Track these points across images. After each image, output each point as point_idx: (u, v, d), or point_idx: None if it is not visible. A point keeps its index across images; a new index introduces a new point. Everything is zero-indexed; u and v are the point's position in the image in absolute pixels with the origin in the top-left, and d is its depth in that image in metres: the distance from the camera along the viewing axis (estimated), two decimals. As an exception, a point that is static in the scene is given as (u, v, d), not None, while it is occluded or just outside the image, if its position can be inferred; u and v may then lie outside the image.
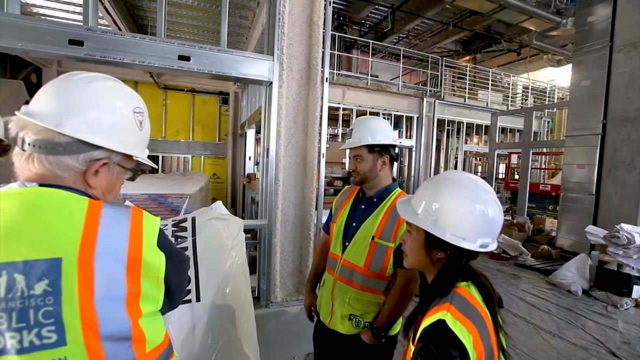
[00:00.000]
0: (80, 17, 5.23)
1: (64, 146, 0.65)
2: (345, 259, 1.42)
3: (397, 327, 1.42)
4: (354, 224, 1.44)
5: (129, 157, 0.76)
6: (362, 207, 1.46)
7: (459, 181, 0.83)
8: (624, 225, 3.98)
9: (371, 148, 1.41)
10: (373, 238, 1.36)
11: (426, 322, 0.74)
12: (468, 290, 0.78)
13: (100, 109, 0.70)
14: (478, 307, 0.75)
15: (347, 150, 1.51)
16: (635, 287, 3.90)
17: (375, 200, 1.43)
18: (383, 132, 1.42)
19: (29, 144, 0.64)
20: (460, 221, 0.79)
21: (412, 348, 0.77)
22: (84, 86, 0.69)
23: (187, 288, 1.38)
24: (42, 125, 0.63)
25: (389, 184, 1.45)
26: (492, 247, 0.81)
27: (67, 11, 5.42)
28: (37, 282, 0.57)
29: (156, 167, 0.94)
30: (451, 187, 0.83)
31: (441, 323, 0.71)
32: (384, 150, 1.42)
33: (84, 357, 0.59)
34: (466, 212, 0.79)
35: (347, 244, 1.44)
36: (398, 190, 1.46)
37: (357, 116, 8.68)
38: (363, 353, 1.37)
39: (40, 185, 0.64)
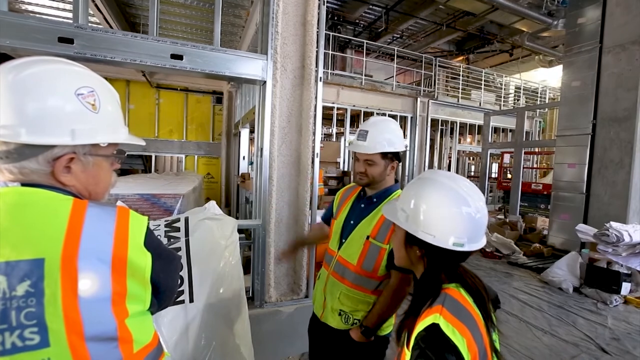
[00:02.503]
0: (70, 15, 5.16)
1: (16, 152, 0.61)
2: (341, 255, 1.44)
3: (389, 328, 1.43)
4: (351, 222, 1.46)
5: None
6: (362, 205, 1.47)
7: (434, 180, 0.84)
8: (614, 224, 4.05)
9: (384, 154, 1.39)
10: (368, 237, 1.37)
11: (420, 326, 0.74)
12: (458, 291, 0.77)
13: (35, 102, 0.61)
14: (469, 308, 0.75)
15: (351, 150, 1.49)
16: (624, 284, 3.97)
17: (374, 200, 1.44)
18: (398, 139, 1.41)
19: None
20: (429, 218, 0.80)
21: (407, 352, 0.77)
22: (12, 78, 0.61)
23: (181, 289, 1.37)
24: None
25: (391, 185, 1.46)
26: (470, 247, 0.79)
27: (57, 8, 5.34)
28: (19, 283, 0.56)
29: (144, 143, 0.81)
30: (424, 185, 0.84)
31: (435, 327, 0.70)
32: (395, 155, 1.42)
33: (68, 358, 0.58)
34: (435, 210, 0.80)
35: (343, 240, 1.45)
36: (398, 192, 1.46)
37: (351, 116, 8.71)
38: (352, 349, 1.38)
39: (23, 185, 0.63)
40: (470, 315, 0.74)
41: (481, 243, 0.82)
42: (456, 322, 0.70)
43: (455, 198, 0.79)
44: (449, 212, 0.79)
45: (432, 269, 0.82)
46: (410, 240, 0.84)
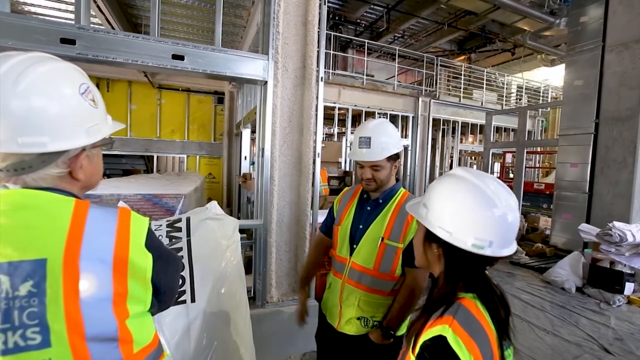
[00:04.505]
0: (72, 16, 5.17)
1: (36, 161, 0.62)
2: (354, 261, 1.42)
3: (404, 329, 1.42)
4: (360, 226, 1.43)
5: None
6: (368, 208, 1.45)
7: (460, 177, 0.79)
8: (616, 223, 4.02)
9: (389, 156, 1.39)
10: (382, 239, 1.36)
11: (427, 334, 0.71)
12: (474, 303, 0.73)
13: (53, 108, 0.62)
14: (483, 322, 0.71)
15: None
16: (627, 284, 3.95)
17: (381, 201, 1.43)
18: (397, 139, 1.42)
19: (0, 170, 0.61)
20: (448, 215, 0.75)
21: (411, 356, 0.75)
22: (16, 88, 0.59)
23: (182, 289, 1.38)
24: (4, 152, 0.59)
25: (394, 185, 1.46)
26: (496, 252, 0.73)
27: (59, 10, 5.36)
28: (22, 283, 0.57)
29: (124, 125, 0.81)
30: (449, 182, 0.81)
31: (441, 339, 0.67)
32: (396, 155, 1.43)
33: (69, 359, 0.59)
34: (456, 207, 0.75)
35: (354, 246, 1.43)
36: (402, 190, 1.46)
37: (353, 115, 8.69)
38: (370, 353, 1.37)
39: (24, 187, 0.63)
40: (483, 331, 0.70)
41: (510, 249, 0.76)
42: (465, 337, 0.67)
43: (481, 197, 0.73)
44: (471, 211, 0.73)
45: (449, 272, 0.77)
46: (430, 237, 0.80)
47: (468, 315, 0.71)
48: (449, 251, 0.76)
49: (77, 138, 0.65)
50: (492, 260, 0.76)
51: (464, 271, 0.76)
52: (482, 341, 0.68)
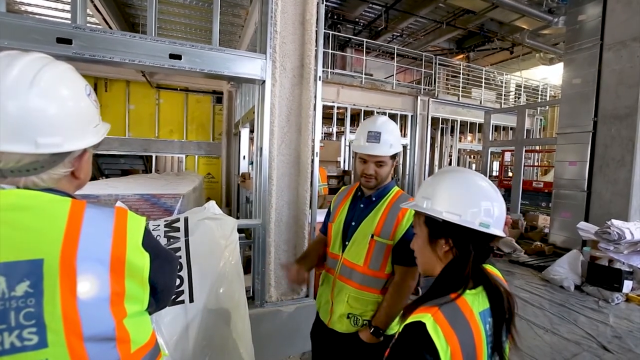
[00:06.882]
0: (68, 15, 5.16)
1: (48, 161, 0.63)
2: (345, 258, 1.43)
3: (396, 327, 1.42)
4: (353, 223, 1.44)
5: None
6: (361, 205, 1.46)
7: (456, 170, 0.87)
8: (615, 222, 4.03)
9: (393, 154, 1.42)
10: (372, 236, 1.36)
11: (410, 319, 0.72)
12: (466, 301, 0.74)
13: (65, 111, 0.63)
14: (470, 318, 0.72)
15: (353, 151, 1.48)
16: (626, 282, 3.96)
17: (374, 199, 1.44)
18: (400, 138, 1.45)
19: (11, 171, 0.61)
20: (453, 200, 0.80)
21: None
22: (33, 89, 0.60)
23: (181, 289, 1.37)
24: (20, 152, 0.60)
25: (388, 183, 1.47)
26: (495, 231, 0.78)
27: (55, 9, 5.34)
28: (18, 283, 0.57)
29: (109, 125, 0.79)
30: (447, 175, 0.86)
31: (420, 325, 0.69)
32: (396, 153, 1.45)
33: (66, 359, 0.58)
34: (460, 193, 0.81)
35: (346, 243, 1.44)
36: (396, 188, 1.47)
37: (351, 115, 8.70)
38: (361, 352, 1.37)
39: (22, 188, 0.63)
40: (468, 327, 0.71)
41: (502, 232, 0.82)
42: (446, 327, 0.68)
43: (477, 186, 0.82)
44: (473, 196, 0.81)
45: (462, 256, 0.79)
46: (435, 234, 0.82)
47: (456, 310, 0.72)
48: (459, 238, 0.80)
49: (87, 137, 0.67)
50: (491, 249, 0.83)
51: (476, 254, 0.79)
52: (465, 336, 0.69)
